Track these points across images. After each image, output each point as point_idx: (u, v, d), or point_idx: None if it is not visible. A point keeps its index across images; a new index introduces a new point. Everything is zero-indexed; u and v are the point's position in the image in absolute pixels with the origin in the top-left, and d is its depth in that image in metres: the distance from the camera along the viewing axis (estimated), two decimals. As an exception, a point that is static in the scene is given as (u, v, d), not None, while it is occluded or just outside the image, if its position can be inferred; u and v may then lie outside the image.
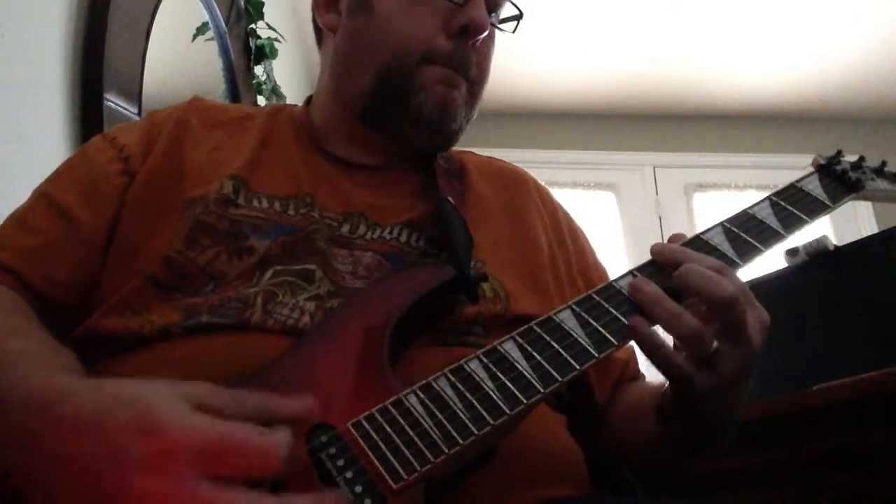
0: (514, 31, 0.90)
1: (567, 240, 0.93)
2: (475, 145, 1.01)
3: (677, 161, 4.03)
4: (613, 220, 3.88)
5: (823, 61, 3.71)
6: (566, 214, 0.98)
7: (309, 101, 0.95)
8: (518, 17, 0.90)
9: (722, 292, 0.62)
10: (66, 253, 0.75)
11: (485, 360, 0.63)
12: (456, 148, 0.96)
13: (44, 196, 0.79)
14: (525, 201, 0.92)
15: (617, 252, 3.62)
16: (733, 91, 3.92)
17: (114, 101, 1.32)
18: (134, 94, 1.42)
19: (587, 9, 3.37)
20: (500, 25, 0.90)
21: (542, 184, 1.00)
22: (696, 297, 0.64)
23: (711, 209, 3.74)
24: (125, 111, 1.36)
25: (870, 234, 1.55)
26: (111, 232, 0.77)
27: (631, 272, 0.70)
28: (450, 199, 0.81)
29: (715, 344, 0.63)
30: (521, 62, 3.62)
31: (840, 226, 3.65)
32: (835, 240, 1.41)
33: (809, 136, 3.94)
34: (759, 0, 3.32)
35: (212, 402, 0.50)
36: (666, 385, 0.72)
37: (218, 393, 0.52)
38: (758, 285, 1.44)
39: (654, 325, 0.64)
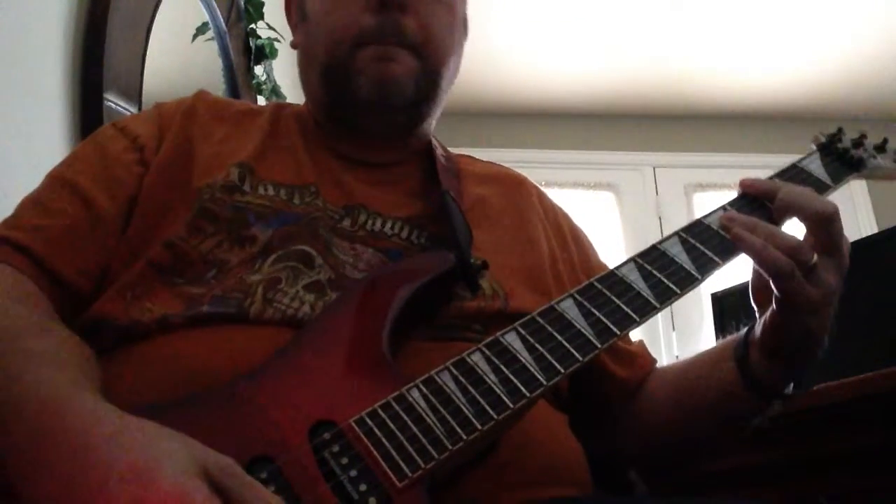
0: None
1: (569, 240, 0.93)
2: (475, 145, 1.01)
3: (677, 161, 4.03)
4: (613, 220, 3.88)
5: (823, 61, 3.71)
6: (567, 217, 0.98)
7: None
8: None
9: (825, 207, 0.69)
10: (87, 237, 0.74)
11: (487, 352, 0.63)
12: (456, 151, 0.96)
13: (60, 179, 0.78)
14: (524, 204, 0.92)
15: (617, 252, 3.62)
16: (733, 91, 3.92)
17: (114, 101, 1.32)
18: (134, 94, 1.42)
19: (587, 9, 3.37)
20: None
21: (542, 188, 1.00)
22: (799, 214, 0.71)
23: (711, 209, 3.73)
24: (125, 111, 1.36)
25: (870, 234, 1.55)
26: (126, 220, 0.76)
27: (633, 258, 0.71)
28: (450, 192, 0.81)
29: (815, 258, 0.67)
30: (521, 62, 3.62)
31: (840, 226, 3.65)
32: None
33: (809, 136, 3.93)
34: (758, 0, 3.32)
35: (222, 481, 0.48)
36: (745, 332, 0.76)
37: (234, 476, 0.49)
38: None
39: (755, 252, 0.68)
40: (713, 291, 1.56)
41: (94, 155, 0.81)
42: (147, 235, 0.75)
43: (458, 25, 0.90)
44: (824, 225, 0.69)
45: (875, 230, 3.40)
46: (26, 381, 0.55)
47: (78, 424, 0.51)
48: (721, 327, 1.50)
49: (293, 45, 0.93)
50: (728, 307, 1.51)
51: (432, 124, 0.93)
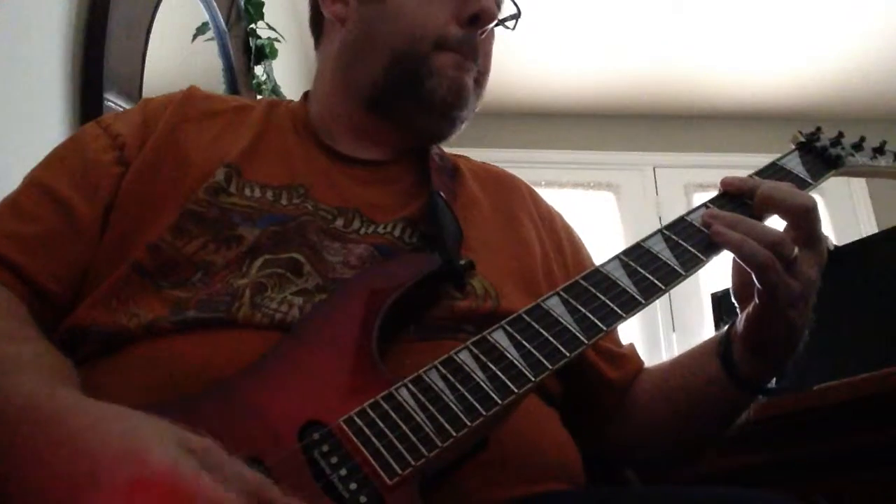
0: (513, 28, 0.92)
1: (564, 241, 0.93)
2: (475, 145, 1.01)
3: (677, 161, 4.03)
4: (613, 220, 3.88)
5: (823, 61, 3.71)
6: (562, 219, 0.99)
7: (306, 96, 0.94)
8: (517, 17, 0.92)
9: (804, 201, 0.71)
10: (65, 244, 0.74)
11: (475, 350, 0.63)
12: (451, 151, 0.96)
13: (37, 183, 0.77)
14: (517, 206, 0.92)
15: (617, 252, 3.61)
16: (733, 91, 3.92)
17: (114, 101, 1.32)
18: (134, 94, 1.41)
19: (588, 9, 3.37)
20: (501, 23, 0.91)
21: (541, 188, 1.00)
22: (779, 209, 0.72)
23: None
24: (125, 111, 1.35)
25: (870, 234, 1.55)
26: (104, 222, 0.76)
27: (618, 256, 0.72)
28: (441, 193, 0.81)
29: (795, 251, 0.69)
30: (521, 62, 3.62)
31: (840, 226, 3.65)
32: (835, 240, 1.40)
33: (810, 136, 3.93)
34: (758, 1, 3.32)
35: (207, 459, 0.48)
36: (726, 329, 0.77)
37: (218, 453, 0.49)
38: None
39: (734, 246, 0.69)
40: (713, 291, 1.55)
41: (74, 156, 0.80)
42: (130, 237, 0.74)
43: None
44: (803, 218, 0.71)
45: (875, 230, 3.40)
46: (4, 385, 0.55)
47: (60, 416, 0.51)
48: (721, 327, 1.50)
49: (334, 15, 0.90)
50: (728, 307, 1.50)
51: None
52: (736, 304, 0.76)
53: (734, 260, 0.74)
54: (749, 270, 0.69)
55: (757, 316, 0.71)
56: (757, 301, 0.70)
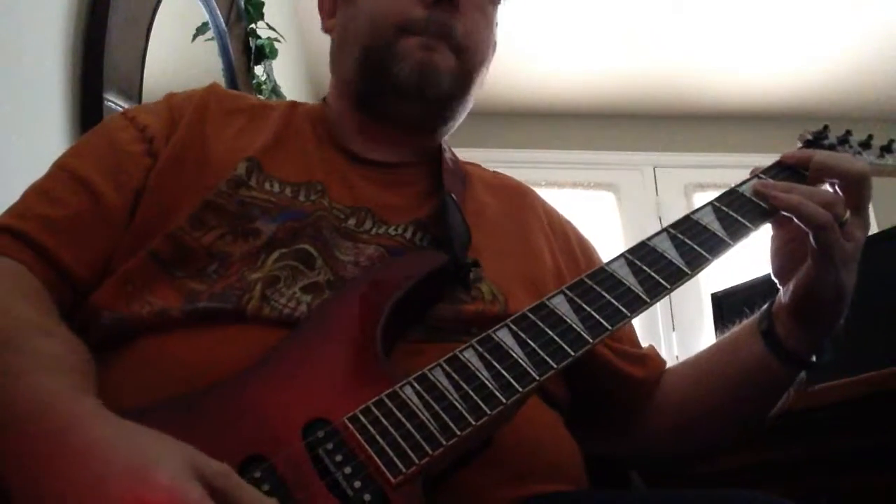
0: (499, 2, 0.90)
1: (576, 251, 0.93)
2: (476, 145, 1.01)
3: (677, 161, 4.03)
4: (613, 220, 3.88)
5: (822, 61, 3.71)
6: (574, 228, 0.99)
7: (325, 100, 0.96)
8: None
9: (862, 168, 0.76)
10: (93, 229, 0.74)
11: (479, 348, 0.63)
12: (456, 151, 0.96)
13: (66, 169, 0.77)
14: (527, 214, 0.92)
15: (617, 252, 3.61)
16: (733, 91, 3.92)
17: (114, 101, 1.32)
18: (134, 94, 1.42)
19: (588, 9, 3.37)
20: None
21: (542, 188, 1.00)
22: (835, 174, 0.76)
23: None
24: (125, 111, 1.35)
25: (870, 234, 1.55)
26: (132, 212, 0.76)
27: (623, 255, 0.72)
28: (453, 195, 0.82)
29: (848, 213, 0.73)
30: (521, 62, 3.62)
31: (840, 226, 3.64)
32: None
33: (809, 136, 3.93)
34: (758, 1, 3.32)
35: (218, 485, 0.48)
36: (766, 307, 0.80)
37: (229, 479, 0.49)
38: (757, 285, 1.44)
39: (794, 208, 0.72)
40: (713, 291, 1.55)
41: (103, 145, 0.80)
42: (151, 227, 0.74)
43: (491, 43, 0.91)
44: (857, 184, 0.75)
45: (875, 230, 3.40)
46: (26, 383, 0.55)
47: (76, 425, 0.51)
48: (721, 327, 1.50)
49: (326, 30, 0.93)
50: (728, 307, 1.51)
51: (451, 129, 0.93)
52: (778, 283, 0.79)
53: (773, 237, 0.78)
54: (807, 230, 0.72)
55: (809, 280, 0.74)
56: (811, 262, 0.73)
